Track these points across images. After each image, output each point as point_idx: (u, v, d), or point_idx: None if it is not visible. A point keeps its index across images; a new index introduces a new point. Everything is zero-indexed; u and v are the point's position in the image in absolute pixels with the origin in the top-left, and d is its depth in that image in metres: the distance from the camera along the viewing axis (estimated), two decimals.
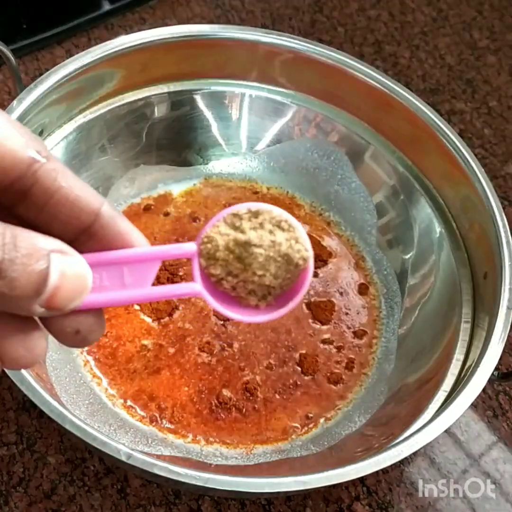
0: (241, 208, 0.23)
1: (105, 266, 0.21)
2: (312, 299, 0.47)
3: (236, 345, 0.45)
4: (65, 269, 0.19)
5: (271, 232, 0.23)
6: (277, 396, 0.43)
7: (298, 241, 0.23)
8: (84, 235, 0.21)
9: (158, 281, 0.45)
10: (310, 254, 0.23)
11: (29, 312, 0.19)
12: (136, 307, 0.45)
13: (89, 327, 0.21)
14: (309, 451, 0.41)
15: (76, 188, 0.20)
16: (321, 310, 0.47)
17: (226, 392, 0.42)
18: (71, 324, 0.21)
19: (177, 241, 0.49)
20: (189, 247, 0.23)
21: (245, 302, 0.24)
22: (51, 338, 0.21)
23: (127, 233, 0.22)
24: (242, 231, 0.23)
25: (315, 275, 0.49)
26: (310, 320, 0.46)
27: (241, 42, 0.49)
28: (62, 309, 0.20)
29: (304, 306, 0.47)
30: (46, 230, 0.20)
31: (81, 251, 0.20)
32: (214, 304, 0.23)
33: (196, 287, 0.23)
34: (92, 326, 0.21)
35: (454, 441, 0.43)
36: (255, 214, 0.23)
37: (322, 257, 0.50)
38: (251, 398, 0.43)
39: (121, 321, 0.45)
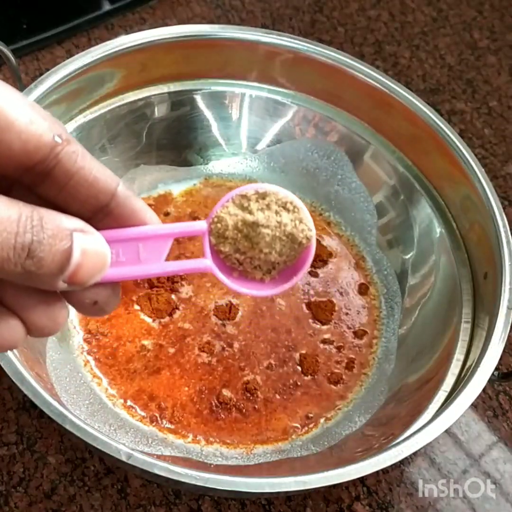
0: (249, 189, 0.25)
1: (121, 242, 0.23)
2: (312, 299, 0.47)
3: (236, 345, 0.45)
4: (86, 247, 0.20)
5: (277, 212, 0.25)
6: (277, 396, 0.43)
7: (302, 221, 0.25)
8: (101, 213, 0.22)
9: None
10: (313, 233, 0.25)
11: (52, 287, 0.20)
12: (136, 307, 0.45)
13: (106, 299, 0.23)
14: (309, 451, 0.41)
15: (94, 169, 0.21)
16: (321, 310, 0.47)
17: (226, 392, 0.42)
18: (89, 296, 0.22)
19: (176, 240, 0.49)
20: (200, 226, 0.25)
21: (250, 276, 0.25)
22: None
23: (141, 211, 0.23)
24: (250, 212, 0.24)
25: (315, 275, 0.49)
26: (310, 320, 0.46)
27: (241, 42, 0.49)
28: (83, 284, 0.21)
29: (304, 306, 0.47)
30: (65, 208, 0.21)
31: (98, 228, 0.22)
32: (223, 279, 0.25)
33: (207, 262, 0.25)
34: (109, 298, 0.23)
35: (454, 441, 0.43)
36: (263, 195, 0.25)
37: (322, 257, 0.50)
38: (251, 398, 0.43)
39: (121, 321, 0.45)
